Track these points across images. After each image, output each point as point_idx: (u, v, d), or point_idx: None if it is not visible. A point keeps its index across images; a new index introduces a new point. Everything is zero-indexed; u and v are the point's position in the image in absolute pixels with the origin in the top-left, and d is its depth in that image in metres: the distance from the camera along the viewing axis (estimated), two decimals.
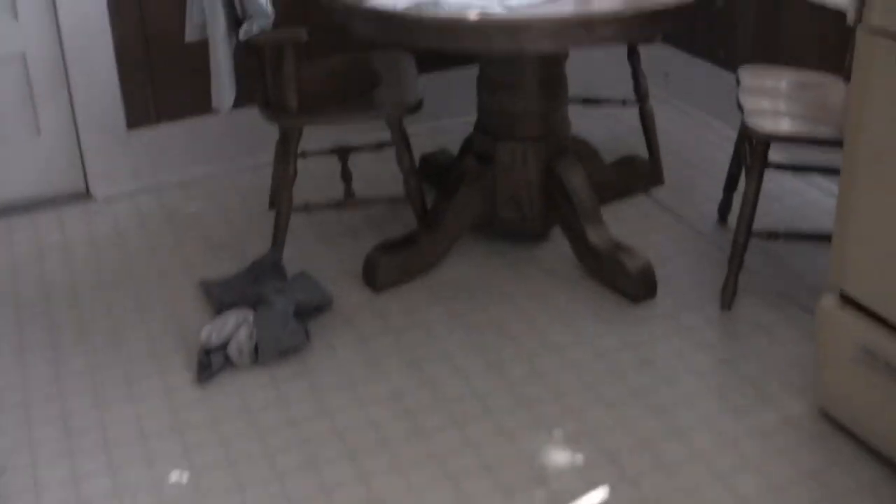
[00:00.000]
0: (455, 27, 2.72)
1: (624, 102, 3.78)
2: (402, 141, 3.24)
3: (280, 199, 3.27)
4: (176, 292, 3.25)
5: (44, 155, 3.76)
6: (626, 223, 3.50)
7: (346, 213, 3.63)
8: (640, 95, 3.69)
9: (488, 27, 2.69)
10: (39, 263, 3.44)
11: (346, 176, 3.42)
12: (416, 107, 3.19)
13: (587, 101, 3.82)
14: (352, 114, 3.24)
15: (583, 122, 3.79)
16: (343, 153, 3.49)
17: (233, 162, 3.96)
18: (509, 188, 3.29)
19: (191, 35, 3.19)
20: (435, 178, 3.68)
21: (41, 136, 3.73)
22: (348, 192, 3.38)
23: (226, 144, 3.93)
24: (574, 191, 3.22)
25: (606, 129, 4.18)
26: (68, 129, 3.75)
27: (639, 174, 3.72)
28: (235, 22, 3.08)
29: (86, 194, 3.85)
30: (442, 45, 2.76)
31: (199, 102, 3.56)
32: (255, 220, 3.64)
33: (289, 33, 3.04)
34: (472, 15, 2.68)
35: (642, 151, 3.78)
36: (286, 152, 3.25)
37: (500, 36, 2.71)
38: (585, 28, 2.70)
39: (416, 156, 3.38)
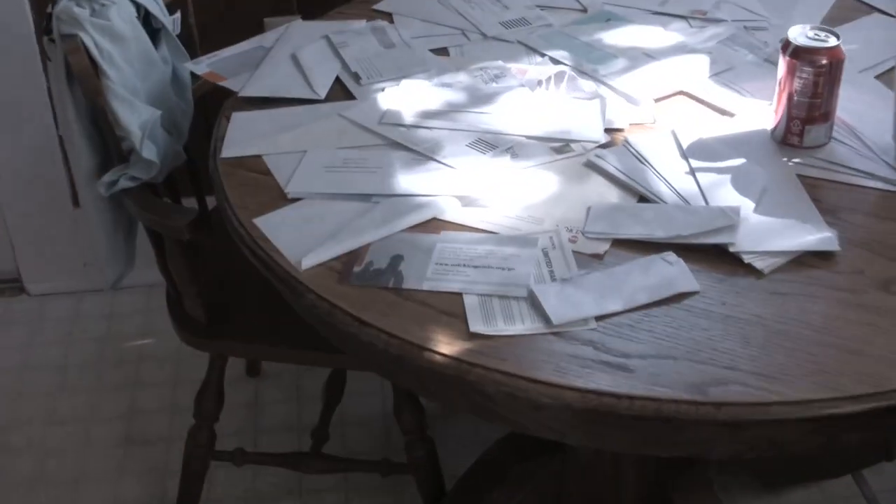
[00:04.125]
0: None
1: None
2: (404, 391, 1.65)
3: (189, 448, 1.76)
4: None
5: None
6: None
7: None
8: None
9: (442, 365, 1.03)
10: None
11: (326, 414, 1.87)
12: None
13: None
14: (311, 352, 1.61)
15: None
16: (339, 374, 1.94)
17: None
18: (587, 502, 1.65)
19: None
20: None
21: None
22: (318, 443, 1.83)
23: None
24: None
25: None
26: None
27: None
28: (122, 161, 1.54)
29: (17, 286, 2.47)
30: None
31: None
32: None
33: (167, 222, 1.47)
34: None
35: None
36: (206, 379, 1.72)
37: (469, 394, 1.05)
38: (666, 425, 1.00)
39: None
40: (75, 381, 2.22)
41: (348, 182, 1.26)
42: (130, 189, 1.51)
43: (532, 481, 1.67)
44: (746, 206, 1.18)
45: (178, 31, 1.67)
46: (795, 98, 1.27)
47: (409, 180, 1.26)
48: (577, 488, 1.63)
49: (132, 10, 1.56)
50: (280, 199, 1.26)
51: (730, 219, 1.15)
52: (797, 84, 1.26)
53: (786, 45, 1.27)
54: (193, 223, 1.42)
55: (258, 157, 1.34)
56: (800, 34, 1.26)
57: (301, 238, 1.18)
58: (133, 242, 1.70)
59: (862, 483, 1.91)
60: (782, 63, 1.28)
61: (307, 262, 1.14)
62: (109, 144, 1.54)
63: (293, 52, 1.56)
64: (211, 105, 1.66)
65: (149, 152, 1.48)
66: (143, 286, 2.41)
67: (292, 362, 1.76)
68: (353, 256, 1.15)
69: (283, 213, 1.23)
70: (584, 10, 1.67)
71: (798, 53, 1.25)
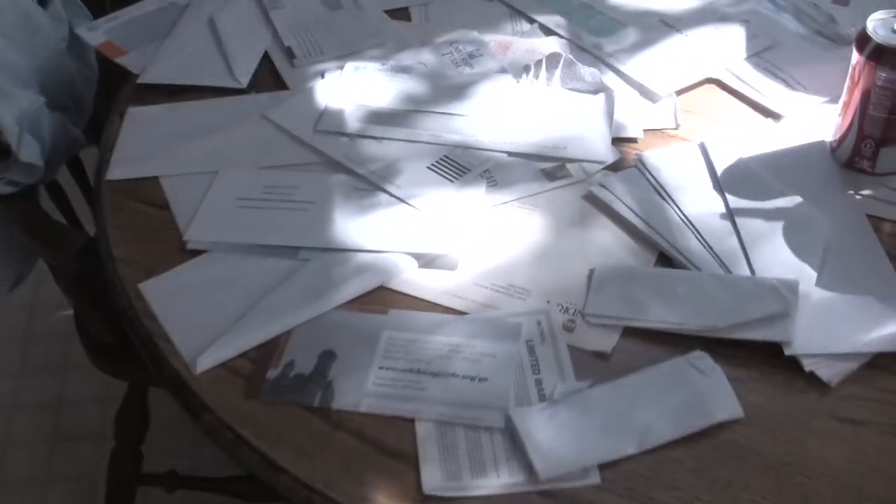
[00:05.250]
0: None
1: None
2: None
3: (112, 474, 1.47)
4: None
5: None
6: None
7: None
8: None
9: None
10: None
11: None
12: None
13: None
14: None
15: None
16: None
17: None
18: None
19: None
20: None
21: None
22: None
23: None
24: None
25: None
26: None
27: None
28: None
29: None
30: None
31: None
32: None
33: (49, 252, 1.14)
34: None
35: None
36: (125, 402, 1.42)
37: None
38: None
39: None
40: None
41: (268, 226, 0.93)
42: (11, 196, 1.18)
43: None
44: (805, 275, 0.86)
45: None
46: (870, 111, 0.93)
47: (349, 225, 0.92)
48: None
49: None
50: (178, 249, 0.93)
51: (785, 302, 0.83)
52: (875, 95, 0.92)
53: (862, 40, 0.92)
54: (85, 251, 1.09)
55: (156, 178, 1.01)
56: (881, 25, 0.92)
57: (199, 319, 0.85)
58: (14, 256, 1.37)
59: None
60: (856, 61, 0.93)
61: (204, 363, 0.82)
62: None
63: (212, 16, 1.20)
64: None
65: (29, 152, 1.14)
66: None
67: None
68: (269, 351, 0.83)
69: (178, 276, 0.90)
70: None
71: (879, 54, 0.90)
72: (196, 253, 0.92)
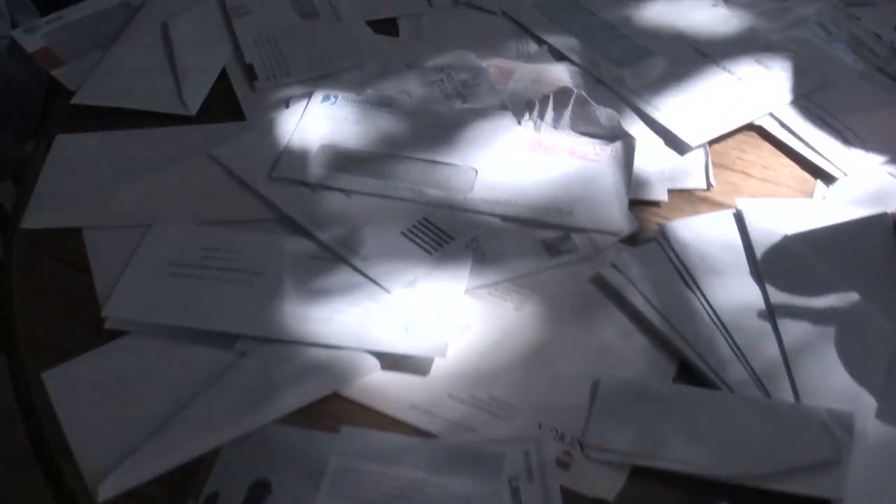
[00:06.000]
0: None
1: None
2: None
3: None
4: None
5: None
6: None
7: None
8: None
9: None
10: None
11: None
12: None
13: None
14: None
15: None
16: None
17: None
18: None
19: None
20: None
21: None
22: None
23: None
24: None
25: None
26: None
27: None
28: None
29: None
30: None
31: None
32: None
33: None
34: None
35: None
36: None
37: None
38: None
39: None
40: None
41: (202, 304, 0.76)
42: None
43: None
44: (863, 404, 0.68)
45: None
46: None
47: (299, 310, 0.75)
48: None
49: None
50: (96, 328, 0.76)
51: (837, 444, 0.66)
52: None
53: None
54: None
55: (80, 230, 0.84)
56: None
57: (110, 426, 0.69)
58: None
59: None
60: None
61: (108, 490, 0.66)
62: None
63: (166, 22, 1.02)
64: None
65: None
66: None
67: None
68: (188, 476, 0.67)
69: (90, 365, 0.72)
70: None
71: None
72: (116, 334, 0.75)
